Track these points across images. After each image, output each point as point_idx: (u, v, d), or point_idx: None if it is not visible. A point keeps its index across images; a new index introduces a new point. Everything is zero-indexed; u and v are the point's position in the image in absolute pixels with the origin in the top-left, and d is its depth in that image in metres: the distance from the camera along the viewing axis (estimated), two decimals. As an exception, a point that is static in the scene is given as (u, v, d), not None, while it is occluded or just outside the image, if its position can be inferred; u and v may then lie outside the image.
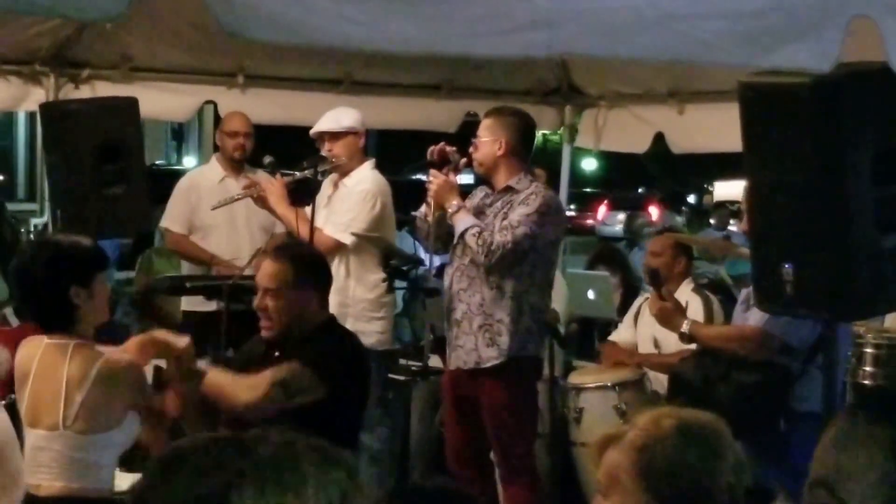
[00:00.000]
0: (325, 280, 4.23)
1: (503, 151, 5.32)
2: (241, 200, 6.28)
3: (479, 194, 5.48)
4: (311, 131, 6.15)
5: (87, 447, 3.81)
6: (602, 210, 27.82)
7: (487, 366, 5.24)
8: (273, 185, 6.04)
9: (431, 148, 5.41)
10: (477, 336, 5.25)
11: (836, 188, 3.68)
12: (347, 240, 5.94)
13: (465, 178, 5.74)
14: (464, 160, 5.38)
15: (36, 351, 3.84)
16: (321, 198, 6.14)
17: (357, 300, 6.00)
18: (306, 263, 4.19)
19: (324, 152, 6.06)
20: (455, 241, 5.30)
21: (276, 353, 4.15)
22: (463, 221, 5.25)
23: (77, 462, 3.79)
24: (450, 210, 5.28)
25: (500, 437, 5.30)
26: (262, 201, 6.06)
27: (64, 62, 6.44)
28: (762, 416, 4.81)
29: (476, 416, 5.34)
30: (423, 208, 5.47)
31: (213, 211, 6.39)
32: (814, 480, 2.71)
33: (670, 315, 5.15)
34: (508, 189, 5.32)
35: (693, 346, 5.21)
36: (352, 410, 4.27)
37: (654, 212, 19.65)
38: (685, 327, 5.07)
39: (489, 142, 5.34)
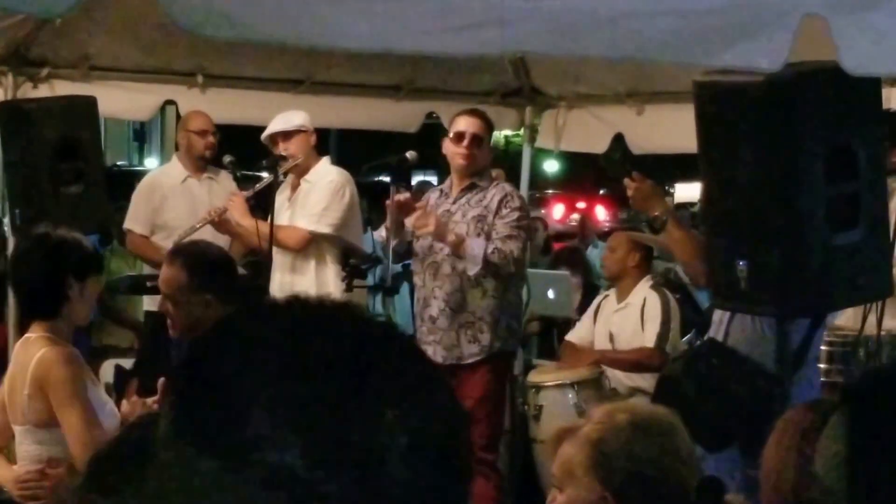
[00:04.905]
0: (223, 282, 4.02)
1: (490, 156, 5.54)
2: (204, 201, 6.29)
3: (432, 196, 5.53)
4: (263, 135, 6.17)
5: (46, 442, 3.82)
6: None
7: (468, 362, 5.34)
8: (235, 201, 6.04)
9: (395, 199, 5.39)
10: (458, 333, 5.34)
11: (788, 186, 3.72)
12: (324, 228, 5.93)
13: (429, 178, 5.78)
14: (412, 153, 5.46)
15: (17, 348, 3.92)
16: (280, 206, 6.14)
17: (339, 293, 6.00)
18: (202, 266, 4.05)
19: (280, 153, 6.07)
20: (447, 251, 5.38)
21: None
22: (475, 246, 5.29)
23: (45, 458, 3.80)
24: (451, 240, 5.30)
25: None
26: (223, 225, 6.04)
27: (22, 61, 6.38)
28: (756, 426, 4.47)
29: None
30: (384, 232, 5.53)
31: (177, 212, 6.38)
32: None
33: (648, 195, 4.71)
34: (472, 186, 5.42)
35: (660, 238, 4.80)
36: None
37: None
38: (662, 212, 4.65)
39: (487, 145, 5.55)
